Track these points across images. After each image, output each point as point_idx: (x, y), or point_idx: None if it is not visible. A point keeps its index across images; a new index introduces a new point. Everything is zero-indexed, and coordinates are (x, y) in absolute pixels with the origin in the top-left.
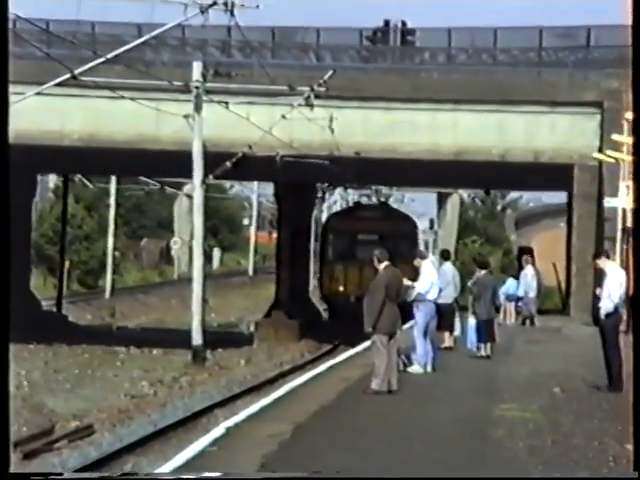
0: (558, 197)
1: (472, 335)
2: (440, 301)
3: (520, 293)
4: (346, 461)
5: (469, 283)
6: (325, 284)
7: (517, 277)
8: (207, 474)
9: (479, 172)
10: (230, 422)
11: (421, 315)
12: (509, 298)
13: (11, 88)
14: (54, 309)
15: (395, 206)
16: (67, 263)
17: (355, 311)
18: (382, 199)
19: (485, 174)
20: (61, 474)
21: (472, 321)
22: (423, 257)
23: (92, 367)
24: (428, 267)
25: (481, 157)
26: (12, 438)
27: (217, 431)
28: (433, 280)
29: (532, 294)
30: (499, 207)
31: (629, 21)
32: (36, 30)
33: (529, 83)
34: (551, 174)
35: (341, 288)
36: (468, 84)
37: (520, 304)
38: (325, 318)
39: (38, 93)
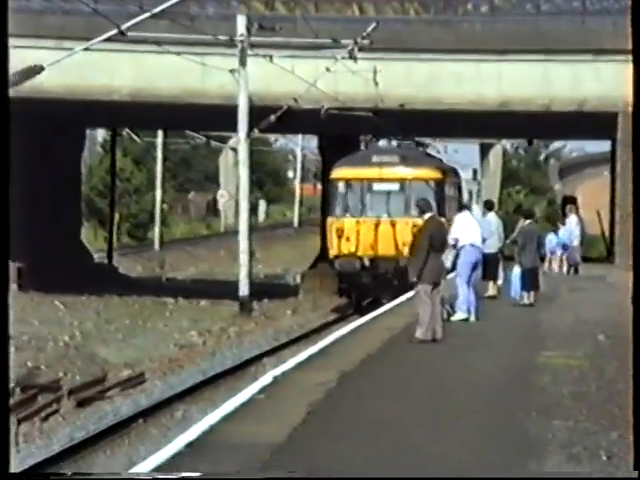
0: (601, 146)
1: (516, 284)
2: (485, 250)
3: (564, 240)
4: (391, 409)
5: (513, 235)
6: (332, 244)
7: (557, 231)
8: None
9: (522, 122)
10: (277, 371)
11: (462, 261)
12: (551, 251)
13: (60, 43)
14: (105, 261)
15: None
16: (117, 216)
17: (371, 278)
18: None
19: (528, 124)
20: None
21: (516, 270)
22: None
23: (142, 317)
24: (462, 217)
25: (525, 107)
26: (67, 386)
27: (265, 379)
28: (466, 228)
29: (576, 242)
30: (542, 157)
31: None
32: None
33: (573, 32)
34: (595, 123)
35: (352, 249)
36: (512, 34)
37: (565, 252)
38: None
39: (86, 49)
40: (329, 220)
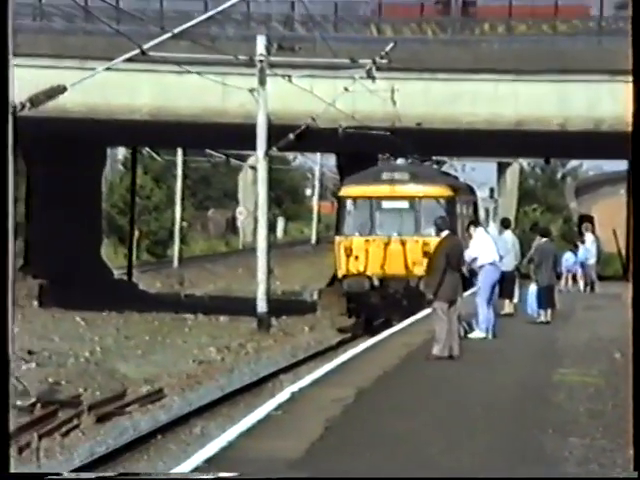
0: (617, 165)
1: (532, 301)
2: (502, 269)
3: (581, 259)
4: (408, 425)
5: (530, 253)
6: (341, 263)
7: (575, 251)
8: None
9: (539, 141)
10: (295, 387)
11: (485, 281)
12: (568, 269)
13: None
14: (125, 278)
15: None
16: (137, 233)
17: (380, 298)
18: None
19: (545, 143)
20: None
21: (533, 288)
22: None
23: (162, 334)
24: (479, 235)
25: (541, 126)
26: (87, 402)
27: (282, 396)
28: (484, 246)
29: (592, 260)
30: (559, 175)
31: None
32: (106, 7)
33: (589, 52)
34: (612, 142)
35: (361, 268)
36: (529, 54)
37: (583, 270)
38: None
39: (108, 68)
40: (337, 239)
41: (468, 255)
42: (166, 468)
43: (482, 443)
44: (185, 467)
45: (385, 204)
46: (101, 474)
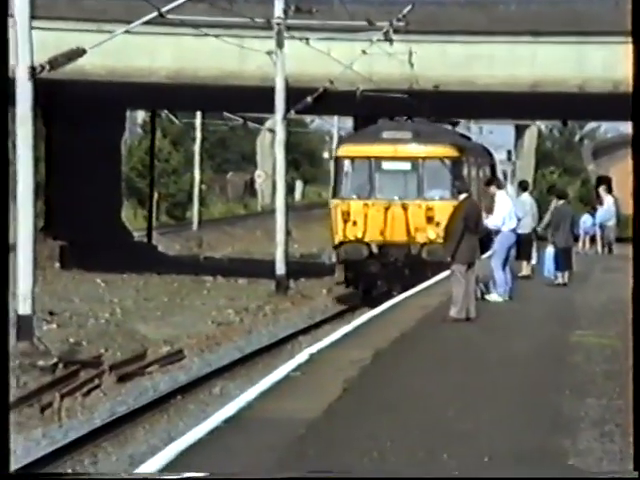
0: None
1: (550, 263)
2: (519, 231)
3: (599, 221)
4: (425, 386)
5: (547, 216)
6: (337, 229)
7: (593, 213)
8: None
9: (557, 103)
10: (313, 349)
11: (500, 245)
12: (585, 232)
13: (101, 26)
14: (145, 240)
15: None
16: (156, 196)
17: (379, 267)
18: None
19: (563, 105)
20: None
21: (550, 250)
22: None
23: (181, 295)
24: (502, 199)
25: (559, 88)
26: (108, 362)
27: (301, 357)
28: (506, 212)
29: (611, 222)
30: (577, 138)
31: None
32: None
33: (607, 13)
34: (630, 103)
35: (359, 234)
36: (546, 16)
37: (602, 232)
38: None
39: (126, 31)
40: (333, 202)
41: (493, 224)
42: (186, 427)
43: (499, 405)
44: (205, 427)
45: (385, 165)
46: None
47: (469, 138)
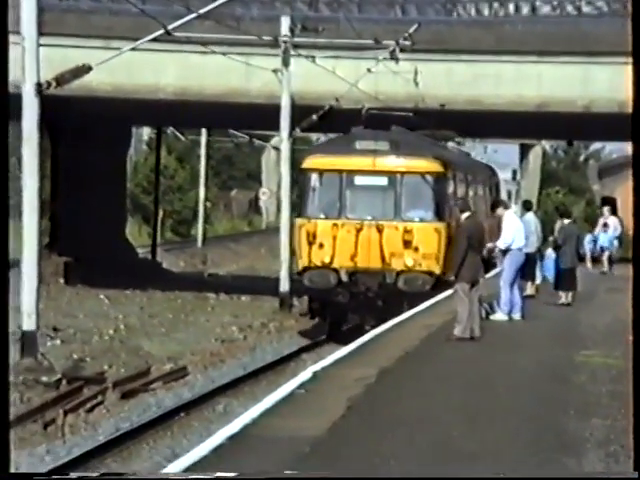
0: None
1: (550, 267)
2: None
3: (603, 242)
4: (429, 406)
5: (554, 235)
6: (301, 252)
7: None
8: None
9: (562, 123)
10: (317, 366)
11: (509, 264)
12: (591, 251)
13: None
14: (149, 256)
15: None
16: (161, 212)
17: (349, 297)
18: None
19: (569, 125)
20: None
21: (550, 252)
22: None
23: (185, 312)
24: (510, 218)
25: (565, 108)
26: (111, 379)
27: (305, 375)
28: (516, 231)
29: (615, 243)
30: (582, 158)
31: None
32: None
33: (614, 34)
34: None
35: (326, 259)
36: (552, 36)
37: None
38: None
39: (133, 48)
40: (298, 222)
41: (504, 242)
42: (189, 445)
43: (503, 424)
44: (208, 444)
45: (358, 180)
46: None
47: (467, 154)
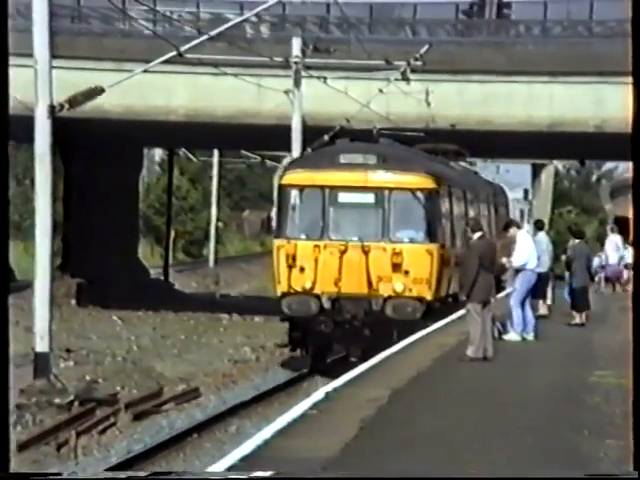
0: None
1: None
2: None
3: (612, 261)
4: (442, 427)
5: (566, 254)
6: (280, 276)
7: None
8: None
9: (574, 143)
10: (329, 387)
11: (521, 284)
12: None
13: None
14: (161, 277)
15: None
16: (173, 233)
17: (332, 326)
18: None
19: (581, 145)
20: (60, 474)
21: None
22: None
23: (197, 333)
24: (524, 238)
25: (577, 128)
26: (124, 400)
27: (317, 395)
28: (530, 251)
29: (627, 261)
30: (594, 177)
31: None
32: (143, 9)
33: (626, 54)
34: None
35: (307, 284)
36: (564, 56)
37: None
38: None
39: (145, 70)
40: (276, 243)
41: (518, 260)
42: (202, 466)
43: (516, 445)
44: (221, 465)
45: (343, 197)
46: (109, 474)
47: (475, 172)
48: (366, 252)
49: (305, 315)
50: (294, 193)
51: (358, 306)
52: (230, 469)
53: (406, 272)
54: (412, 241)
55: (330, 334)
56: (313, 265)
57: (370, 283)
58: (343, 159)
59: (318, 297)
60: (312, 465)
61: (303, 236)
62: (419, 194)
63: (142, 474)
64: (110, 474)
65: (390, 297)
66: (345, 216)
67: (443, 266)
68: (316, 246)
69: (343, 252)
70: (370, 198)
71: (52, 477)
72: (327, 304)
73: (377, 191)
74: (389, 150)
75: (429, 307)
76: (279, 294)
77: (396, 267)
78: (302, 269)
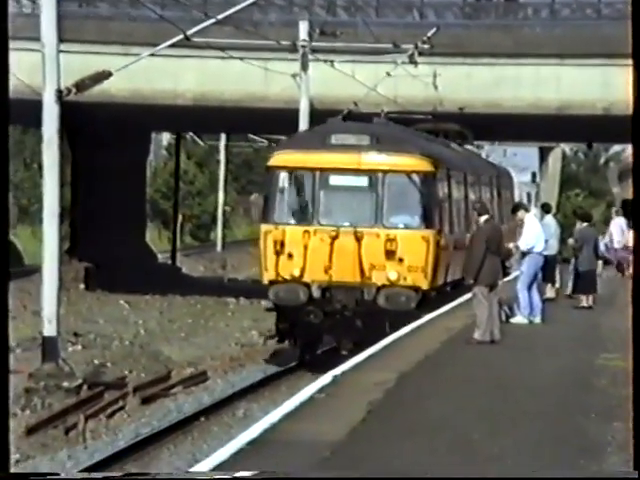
0: None
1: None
2: (544, 253)
3: (617, 245)
4: (449, 410)
5: (572, 238)
6: (266, 263)
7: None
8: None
9: (582, 126)
10: (337, 370)
11: (528, 267)
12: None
13: (127, 49)
14: (169, 261)
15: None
16: (180, 217)
17: (322, 316)
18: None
19: (588, 128)
20: (59, 474)
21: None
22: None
23: (204, 317)
24: (531, 221)
25: (585, 111)
26: (132, 384)
27: (324, 379)
28: (537, 234)
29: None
30: (602, 160)
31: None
32: None
33: None
34: None
35: (295, 272)
36: (572, 39)
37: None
38: None
39: (152, 54)
40: (263, 228)
41: (525, 243)
42: (210, 450)
43: (524, 428)
44: (229, 449)
45: (334, 180)
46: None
47: (478, 155)
48: (358, 238)
49: (293, 304)
50: (282, 175)
51: (349, 295)
52: (215, 469)
53: (400, 260)
54: (407, 227)
55: (319, 325)
56: (302, 252)
57: (362, 271)
58: (334, 140)
59: (307, 286)
60: (320, 448)
61: (292, 221)
62: (415, 177)
63: (118, 474)
64: (86, 474)
65: (384, 286)
66: (336, 200)
67: (440, 253)
68: (305, 232)
69: (334, 238)
70: (363, 181)
71: (51, 477)
72: (317, 293)
73: (370, 174)
74: (383, 130)
75: (424, 297)
76: (266, 282)
77: (390, 254)
78: (290, 256)
